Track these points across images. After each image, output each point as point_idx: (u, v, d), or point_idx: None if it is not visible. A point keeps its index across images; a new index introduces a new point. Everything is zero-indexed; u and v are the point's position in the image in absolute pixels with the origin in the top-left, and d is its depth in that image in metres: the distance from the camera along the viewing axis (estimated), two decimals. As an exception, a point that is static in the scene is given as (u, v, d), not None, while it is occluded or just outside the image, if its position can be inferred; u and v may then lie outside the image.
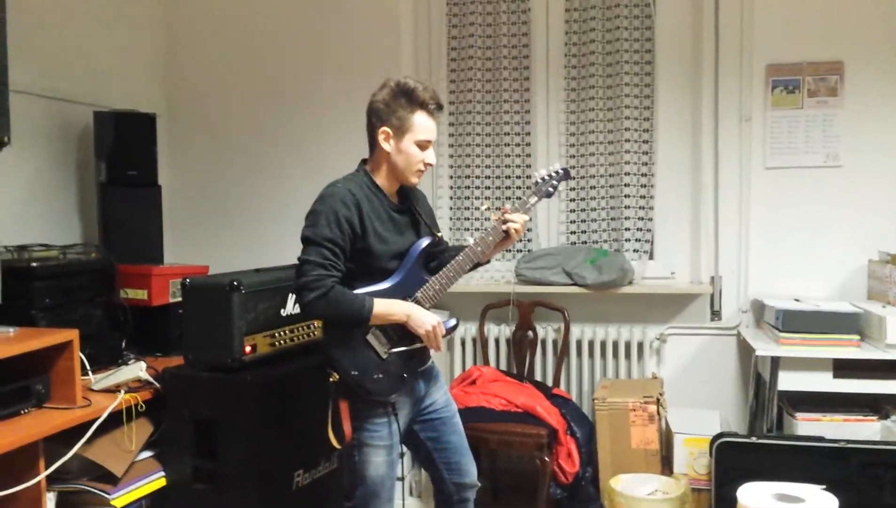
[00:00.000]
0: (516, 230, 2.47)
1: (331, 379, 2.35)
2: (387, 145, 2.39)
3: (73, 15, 3.62)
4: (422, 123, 2.39)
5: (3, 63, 1.67)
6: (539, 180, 2.57)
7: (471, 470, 2.64)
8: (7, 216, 2.93)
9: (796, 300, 3.47)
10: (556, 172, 2.58)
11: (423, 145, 2.40)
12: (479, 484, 2.68)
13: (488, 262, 2.68)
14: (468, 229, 4.11)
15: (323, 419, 2.41)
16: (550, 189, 2.57)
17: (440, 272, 2.45)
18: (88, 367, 2.84)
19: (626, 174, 3.85)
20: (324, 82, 4.09)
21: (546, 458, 3.39)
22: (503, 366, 3.97)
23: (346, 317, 2.30)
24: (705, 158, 3.81)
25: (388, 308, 2.32)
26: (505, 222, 2.46)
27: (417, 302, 2.40)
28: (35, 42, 3.29)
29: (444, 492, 2.62)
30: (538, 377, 3.90)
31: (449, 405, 2.63)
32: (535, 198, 2.56)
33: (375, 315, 2.30)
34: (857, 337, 3.21)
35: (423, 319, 2.35)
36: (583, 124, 3.96)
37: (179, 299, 3.10)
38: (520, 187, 4.06)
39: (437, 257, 2.56)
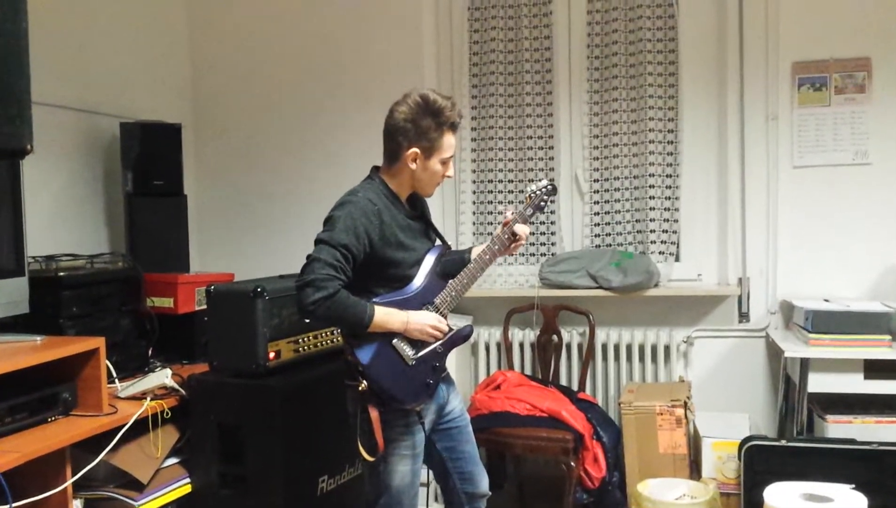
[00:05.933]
0: (523, 236, 2.54)
1: (360, 388, 2.30)
2: (413, 165, 2.38)
3: (98, 28, 3.68)
4: (448, 143, 2.40)
5: (26, 72, 1.69)
6: (531, 194, 2.62)
7: (483, 480, 2.63)
8: (36, 227, 2.96)
9: (826, 301, 3.42)
10: (545, 187, 2.63)
11: (446, 162, 2.42)
12: (490, 493, 2.66)
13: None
14: (491, 234, 4.07)
15: (348, 428, 2.39)
16: (542, 203, 2.64)
17: (455, 279, 2.46)
18: (115, 375, 2.87)
19: (650, 176, 3.81)
20: (346, 90, 4.11)
21: (572, 463, 3.36)
22: (528, 371, 3.95)
23: (347, 323, 2.29)
24: (731, 158, 3.77)
25: (386, 317, 2.29)
26: (513, 232, 2.52)
27: (437, 308, 2.41)
28: (62, 55, 3.35)
29: (455, 503, 2.61)
30: (563, 382, 3.88)
31: (464, 414, 2.63)
32: (531, 210, 2.61)
33: (375, 324, 2.27)
34: (888, 337, 3.14)
35: (421, 322, 2.34)
36: (606, 126, 3.93)
37: (205, 306, 3.14)
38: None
39: (441, 262, 2.53)
